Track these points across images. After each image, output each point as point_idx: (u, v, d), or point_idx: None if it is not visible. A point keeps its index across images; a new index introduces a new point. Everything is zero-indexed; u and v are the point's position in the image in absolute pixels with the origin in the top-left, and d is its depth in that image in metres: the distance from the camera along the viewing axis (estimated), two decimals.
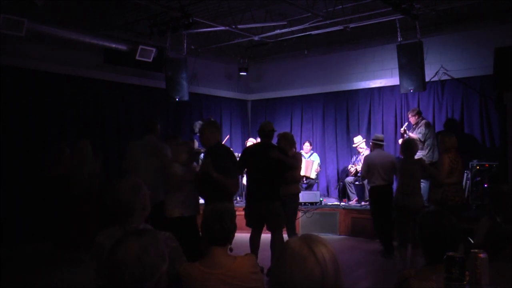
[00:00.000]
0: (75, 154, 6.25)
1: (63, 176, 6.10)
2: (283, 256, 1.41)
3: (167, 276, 1.69)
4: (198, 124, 10.11)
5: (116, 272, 1.57)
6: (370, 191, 7.00)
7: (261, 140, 5.91)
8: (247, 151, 5.95)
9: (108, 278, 1.61)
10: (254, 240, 5.53)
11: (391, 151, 9.17)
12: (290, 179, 5.95)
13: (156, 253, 1.62)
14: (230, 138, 11.02)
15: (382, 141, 7.12)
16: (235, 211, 2.72)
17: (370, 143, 7.37)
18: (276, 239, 5.48)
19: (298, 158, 6.33)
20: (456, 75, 8.63)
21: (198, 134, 9.99)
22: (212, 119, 9.95)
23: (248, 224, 5.61)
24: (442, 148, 5.96)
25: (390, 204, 6.47)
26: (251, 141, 9.72)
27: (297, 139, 9.04)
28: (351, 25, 7.93)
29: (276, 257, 1.46)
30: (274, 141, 6.00)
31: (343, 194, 8.97)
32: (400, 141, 8.40)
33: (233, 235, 2.55)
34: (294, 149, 6.58)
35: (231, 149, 5.85)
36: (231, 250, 2.53)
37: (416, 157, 6.56)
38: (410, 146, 6.03)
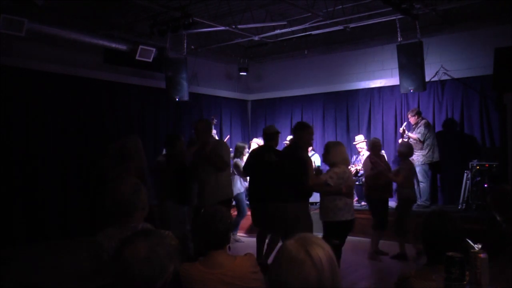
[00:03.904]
0: (128, 152, 6.13)
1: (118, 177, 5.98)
2: (279, 259, 1.41)
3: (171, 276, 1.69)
4: None
5: (125, 273, 1.56)
6: None
7: (264, 142, 6.00)
8: (252, 153, 6.08)
9: (116, 278, 1.60)
10: (259, 239, 5.78)
11: (391, 151, 9.17)
12: None
13: (164, 253, 1.62)
14: (230, 138, 11.00)
15: None
16: (228, 210, 2.69)
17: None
18: (274, 239, 5.71)
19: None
20: (456, 75, 8.62)
21: None
22: (214, 120, 9.92)
23: (255, 224, 5.99)
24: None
25: None
26: (255, 142, 9.68)
27: None
28: (351, 25, 7.93)
29: (273, 260, 1.46)
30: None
31: None
32: (400, 140, 8.40)
33: (230, 235, 2.54)
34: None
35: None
36: (229, 248, 2.52)
37: (416, 157, 7.34)
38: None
